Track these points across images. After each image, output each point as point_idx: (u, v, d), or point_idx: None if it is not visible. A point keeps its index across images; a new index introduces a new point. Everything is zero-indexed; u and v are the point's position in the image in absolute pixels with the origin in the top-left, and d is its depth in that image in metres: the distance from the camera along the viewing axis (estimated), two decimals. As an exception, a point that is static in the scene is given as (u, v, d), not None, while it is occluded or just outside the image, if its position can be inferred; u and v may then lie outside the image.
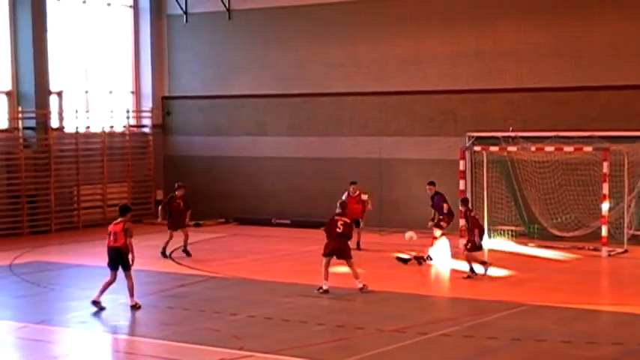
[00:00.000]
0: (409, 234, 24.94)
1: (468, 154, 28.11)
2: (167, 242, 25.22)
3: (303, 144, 32.20)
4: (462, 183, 27.34)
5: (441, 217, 24.19)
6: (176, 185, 26.42)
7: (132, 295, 18.55)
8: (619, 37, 26.91)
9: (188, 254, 25.26)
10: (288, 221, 31.82)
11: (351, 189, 26.14)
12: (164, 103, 34.79)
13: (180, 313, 18.37)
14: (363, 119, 31.11)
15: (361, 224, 25.93)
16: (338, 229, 20.16)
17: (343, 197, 24.05)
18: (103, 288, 18.55)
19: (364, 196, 26.33)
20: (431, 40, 29.67)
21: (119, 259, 18.50)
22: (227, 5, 33.18)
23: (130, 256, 18.47)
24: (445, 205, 24.20)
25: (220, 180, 33.47)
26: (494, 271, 22.40)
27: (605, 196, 24.95)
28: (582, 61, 27.37)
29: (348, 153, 31.32)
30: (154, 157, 34.45)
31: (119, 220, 18.68)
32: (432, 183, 24.96)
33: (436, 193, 24.65)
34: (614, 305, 19.06)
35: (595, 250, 25.25)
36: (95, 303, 18.48)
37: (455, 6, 29.23)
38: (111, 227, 18.71)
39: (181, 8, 33.98)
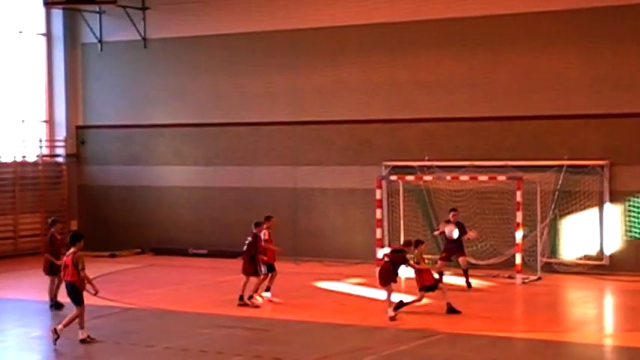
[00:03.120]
0: (449, 229, 24.58)
1: (384, 184, 28.31)
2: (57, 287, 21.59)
3: (220, 173, 32.10)
4: (378, 212, 27.50)
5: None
6: (50, 221, 22.64)
7: (82, 327, 18.04)
8: (531, 69, 27.43)
9: (58, 306, 21.58)
10: (205, 251, 31.63)
11: (268, 224, 23.01)
12: (78, 132, 34.39)
13: (96, 345, 18.06)
14: (279, 149, 31.14)
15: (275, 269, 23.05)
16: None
17: (265, 235, 22.64)
18: (68, 322, 18.00)
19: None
20: (346, 70, 29.89)
21: (73, 293, 17.98)
22: (143, 34, 33.01)
23: (90, 288, 17.97)
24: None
25: (137, 210, 33.16)
26: (411, 299, 22.52)
27: (518, 224, 25.33)
28: (496, 92, 27.83)
29: (265, 182, 31.30)
30: (68, 187, 33.98)
31: (70, 251, 18.13)
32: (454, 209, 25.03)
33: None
34: (528, 332, 19.30)
35: (510, 277, 25.59)
36: (54, 332, 17.92)
37: (370, 36, 29.49)
38: (64, 259, 18.28)
39: (96, 37, 33.70)
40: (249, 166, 31.62)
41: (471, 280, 24.56)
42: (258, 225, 22.33)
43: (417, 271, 20.85)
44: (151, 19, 32.98)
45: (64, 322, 17.99)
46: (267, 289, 22.62)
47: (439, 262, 24.65)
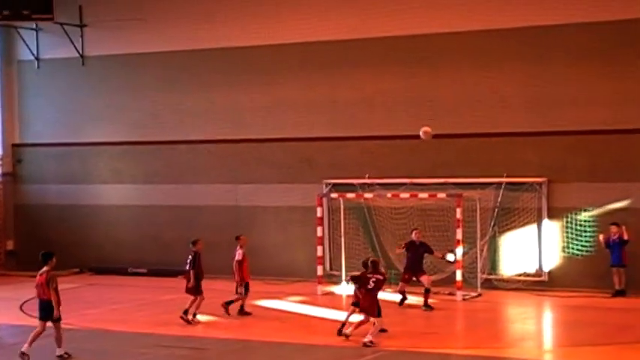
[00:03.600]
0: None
1: (325, 201, 28.32)
2: None
3: (159, 192, 31.86)
4: (319, 230, 27.48)
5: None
6: None
7: (59, 345, 18.15)
8: (469, 87, 27.65)
9: None
10: (144, 270, 31.34)
11: (239, 244, 23.50)
12: (15, 151, 33.92)
13: (33, 366, 17.79)
14: (219, 167, 31.01)
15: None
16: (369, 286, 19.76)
17: (239, 256, 23.13)
18: (32, 339, 18.06)
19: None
20: (287, 88, 29.87)
21: (48, 310, 18.11)
22: (81, 51, 32.71)
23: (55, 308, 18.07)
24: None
25: (75, 229, 32.74)
26: (352, 318, 22.52)
27: (458, 241, 25.46)
28: (435, 110, 27.97)
29: (205, 200, 31.12)
30: (4, 206, 33.48)
31: (43, 270, 18.23)
32: None
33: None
34: (469, 348, 19.38)
35: (450, 294, 25.69)
36: (23, 354, 17.89)
37: (310, 54, 29.53)
38: (37, 278, 18.32)
39: (33, 54, 33.32)
40: (188, 184, 31.43)
41: (412, 296, 24.58)
42: (195, 243, 22.32)
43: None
44: (89, 37, 32.68)
45: (28, 340, 18.00)
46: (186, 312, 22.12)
47: (400, 284, 24.54)
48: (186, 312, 21.79)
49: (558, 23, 26.60)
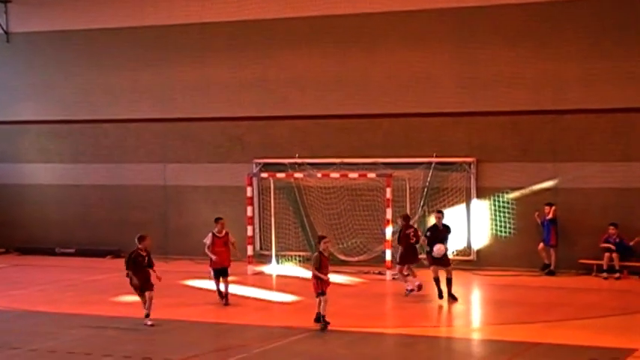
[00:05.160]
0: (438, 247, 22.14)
1: (255, 181, 28.25)
2: None
3: (87, 171, 31.48)
4: (249, 209, 27.42)
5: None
6: None
7: None
8: (400, 67, 27.72)
9: None
10: (72, 250, 30.98)
11: (219, 226, 21.99)
12: (-62, 129, 33.25)
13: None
14: (148, 146, 30.72)
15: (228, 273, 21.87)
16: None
17: (207, 240, 21.69)
18: None
19: (232, 238, 22.29)
20: (216, 67, 29.66)
21: None
22: (5, 28, 32.09)
23: None
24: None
25: (1, 208, 32.21)
26: (281, 297, 22.56)
27: (388, 221, 25.57)
28: (366, 90, 28.02)
29: (134, 180, 30.83)
30: None
31: None
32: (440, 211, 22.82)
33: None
34: (398, 327, 19.49)
35: (380, 273, 25.82)
36: None
37: (240, 33, 29.33)
38: None
39: (-44, 30, 32.67)
40: (117, 163, 31.10)
41: (341, 276, 24.63)
42: (141, 239, 19.78)
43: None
44: (13, 13, 32.09)
45: None
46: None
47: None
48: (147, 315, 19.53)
49: (489, 4, 26.80)
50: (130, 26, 30.62)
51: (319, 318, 18.73)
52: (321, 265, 18.61)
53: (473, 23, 27.05)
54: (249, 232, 27.33)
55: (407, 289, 22.79)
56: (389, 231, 25.55)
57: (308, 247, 27.94)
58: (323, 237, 19.20)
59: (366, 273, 26.16)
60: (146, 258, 19.72)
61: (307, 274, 25.51)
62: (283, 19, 28.80)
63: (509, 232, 26.82)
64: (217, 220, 22.10)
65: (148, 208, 30.39)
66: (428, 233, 22.47)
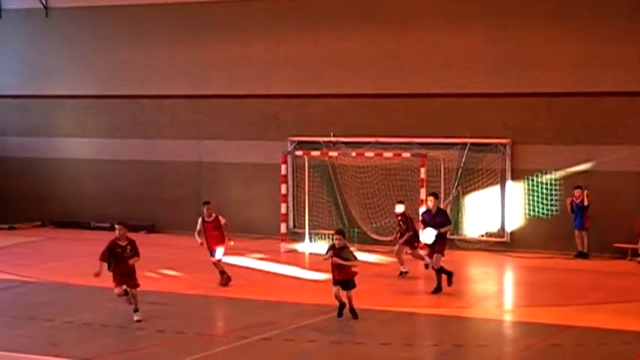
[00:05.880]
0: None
1: (289, 159, 28.30)
2: None
3: (123, 146, 31.67)
4: (283, 187, 27.49)
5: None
6: None
7: None
8: (436, 47, 27.61)
9: None
10: (107, 224, 31.13)
11: (205, 211, 21.36)
12: (-23, 102, 33.57)
13: (-7, 319, 17.72)
14: (183, 122, 30.84)
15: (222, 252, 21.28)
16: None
17: (198, 225, 21.25)
18: None
19: (223, 219, 21.38)
20: (252, 45, 29.68)
21: None
22: (44, 2, 32.29)
23: None
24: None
25: (38, 182, 32.50)
26: (314, 275, 22.63)
27: (422, 200, 25.54)
28: (401, 69, 27.96)
29: (169, 156, 30.98)
30: (-36, 158, 33.18)
31: None
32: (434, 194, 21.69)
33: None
34: (430, 307, 19.50)
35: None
36: None
37: (277, 11, 29.34)
38: None
39: (-5, 4, 32.92)
40: (152, 139, 31.25)
41: (375, 255, 24.64)
42: (118, 227, 17.83)
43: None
44: (53, -13, 32.31)
45: None
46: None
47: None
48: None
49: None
50: (167, 2, 30.71)
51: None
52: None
53: (508, 3, 26.88)
54: (283, 210, 27.42)
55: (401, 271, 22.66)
56: (422, 211, 25.49)
57: (341, 226, 27.96)
58: (340, 231, 18.09)
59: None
60: (127, 248, 17.60)
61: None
62: (320, -3, 28.82)
63: (544, 215, 26.71)
64: (205, 204, 21.46)
65: (182, 184, 30.54)
66: (420, 218, 21.75)
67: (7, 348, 15.34)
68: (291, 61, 29.26)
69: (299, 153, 28.19)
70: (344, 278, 17.65)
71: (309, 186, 28.35)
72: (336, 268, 17.70)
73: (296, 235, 28.33)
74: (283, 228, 27.22)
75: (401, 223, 22.71)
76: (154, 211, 30.50)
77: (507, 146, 26.91)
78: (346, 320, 17.72)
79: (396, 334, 16.74)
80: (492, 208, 27.10)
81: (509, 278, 24.42)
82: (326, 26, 28.82)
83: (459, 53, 27.38)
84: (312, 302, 19.47)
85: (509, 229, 27.02)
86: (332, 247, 17.93)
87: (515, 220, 27.01)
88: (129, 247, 17.67)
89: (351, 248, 18.25)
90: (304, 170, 28.46)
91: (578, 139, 26.36)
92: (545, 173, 26.69)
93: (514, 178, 26.95)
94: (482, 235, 27.24)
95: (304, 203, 28.22)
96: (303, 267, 24.30)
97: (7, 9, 32.94)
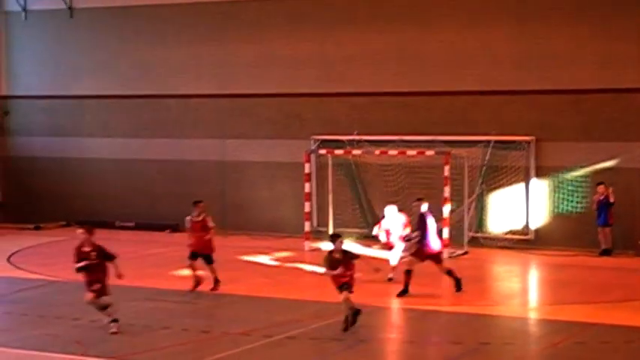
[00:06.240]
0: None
1: (313, 157, 28.32)
2: None
3: (147, 146, 31.78)
4: (307, 186, 27.51)
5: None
6: None
7: None
8: (460, 44, 27.56)
9: None
10: (132, 224, 31.34)
11: (195, 209, 20.93)
12: (2, 103, 33.73)
13: (19, 318, 17.84)
14: (207, 121, 30.93)
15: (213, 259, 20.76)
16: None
17: (186, 224, 20.84)
18: None
19: (211, 223, 20.95)
20: (275, 43, 29.73)
21: None
22: (69, 3, 32.45)
23: None
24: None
25: (62, 182, 32.68)
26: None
27: (446, 199, 25.51)
28: (425, 67, 27.92)
29: (193, 155, 31.07)
30: (-9, 158, 33.39)
31: None
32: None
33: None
34: (454, 305, 19.48)
35: (437, 251, 25.71)
36: None
37: (299, 10, 29.37)
38: None
39: (20, 5, 33.04)
40: (176, 138, 31.35)
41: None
42: (84, 231, 17.25)
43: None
44: (77, -12, 32.47)
45: None
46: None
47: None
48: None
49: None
50: (191, 2, 30.80)
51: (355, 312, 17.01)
52: (332, 264, 16.95)
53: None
54: (307, 209, 27.44)
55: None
56: (446, 209, 25.49)
57: (365, 225, 27.97)
58: (337, 236, 17.37)
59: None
60: (91, 254, 16.69)
61: (364, 250, 25.61)
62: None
63: (569, 212, 26.61)
64: (195, 203, 20.96)
65: (207, 183, 30.62)
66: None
67: (33, 347, 15.47)
68: (315, 59, 29.28)
69: (322, 152, 28.20)
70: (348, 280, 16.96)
71: (332, 184, 28.35)
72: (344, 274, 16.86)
73: (320, 234, 28.30)
74: (307, 226, 27.24)
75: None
76: (178, 211, 30.41)
77: (532, 143, 26.82)
78: (370, 318, 17.72)
79: (422, 332, 16.76)
80: (517, 206, 27.02)
81: (534, 276, 24.36)
82: (349, 24, 28.81)
83: (483, 50, 27.32)
84: (336, 300, 19.44)
85: (533, 226, 26.93)
86: (344, 257, 16.92)
87: (540, 218, 26.92)
88: (93, 253, 16.66)
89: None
90: (328, 169, 28.47)
91: (603, 136, 26.23)
92: (570, 170, 26.58)
93: (538, 175, 26.85)
94: (507, 233, 27.16)
95: (328, 202, 28.22)
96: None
97: (32, 10, 33.12)
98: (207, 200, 28.94)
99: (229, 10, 30.30)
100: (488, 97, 27.30)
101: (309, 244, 26.87)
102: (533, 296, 21.81)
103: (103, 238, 29.26)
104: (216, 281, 20.53)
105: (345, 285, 16.88)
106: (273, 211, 29.73)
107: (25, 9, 33.16)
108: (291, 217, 28.92)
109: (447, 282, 22.76)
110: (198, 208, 20.81)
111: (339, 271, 16.84)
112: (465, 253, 25.96)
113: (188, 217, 20.84)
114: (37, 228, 31.26)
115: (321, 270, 17.55)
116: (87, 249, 16.79)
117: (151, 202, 31.39)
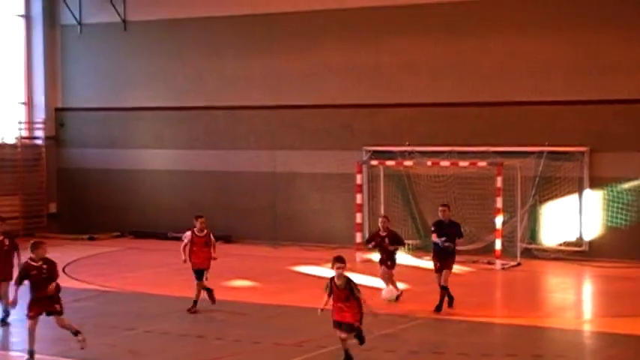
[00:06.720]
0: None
1: (364, 168, 28.30)
2: None
3: (199, 157, 31.98)
4: (359, 197, 27.49)
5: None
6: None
7: None
8: (513, 55, 27.43)
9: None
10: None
11: (198, 225, 19.70)
12: (57, 115, 34.18)
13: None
14: (258, 133, 31.05)
15: (206, 275, 19.59)
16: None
17: (185, 238, 19.71)
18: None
19: (213, 239, 19.97)
20: (327, 54, 29.79)
21: None
22: (122, 16, 32.79)
23: None
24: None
25: (116, 193, 32.99)
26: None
27: (498, 210, 25.36)
28: (477, 77, 27.81)
29: (244, 166, 31.20)
30: (46, 170, 33.77)
31: None
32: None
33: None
34: (508, 317, 19.33)
35: (489, 263, 25.62)
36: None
37: (351, 20, 29.41)
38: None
39: (75, 18, 33.46)
40: (228, 150, 31.51)
41: (454, 265, 24.17)
42: (34, 247, 15.08)
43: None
44: (131, 1, 32.77)
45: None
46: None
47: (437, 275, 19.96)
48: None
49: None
50: (242, 14, 30.97)
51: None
52: (332, 292, 15.45)
53: (586, 8, 26.59)
54: (358, 220, 27.41)
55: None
56: (499, 220, 25.34)
57: (417, 236, 27.89)
58: (338, 259, 15.55)
59: (475, 262, 25.98)
60: (42, 269, 14.80)
61: (416, 262, 25.56)
62: (395, 6, 28.76)
63: (623, 224, 26.32)
64: (197, 217, 19.77)
65: (257, 194, 30.72)
66: (432, 228, 19.98)
67: (89, 357, 15.57)
68: (366, 70, 29.30)
69: (374, 162, 28.18)
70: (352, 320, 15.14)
71: (384, 196, 28.31)
72: (344, 308, 15.28)
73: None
74: (359, 238, 27.20)
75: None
76: (229, 222, 30.70)
77: (585, 154, 26.59)
78: (423, 330, 17.66)
79: (474, 345, 16.62)
80: (570, 217, 26.78)
81: (588, 288, 24.12)
82: (401, 34, 28.80)
83: (536, 60, 27.16)
84: (388, 312, 19.41)
85: (587, 238, 26.67)
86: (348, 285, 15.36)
87: (594, 229, 26.65)
88: (44, 266, 14.84)
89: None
90: (379, 180, 28.44)
91: (660, 147, 25.96)
92: (625, 181, 26.30)
93: (592, 186, 26.60)
94: (560, 244, 26.92)
95: (379, 213, 28.16)
96: (378, 276, 24.23)
97: (87, 23, 33.51)
98: (258, 212, 29.30)
99: (279, 22, 30.43)
100: (542, 107, 27.11)
101: (360, 255, 26.83)
102: (587, 308, 21.58)
103: (156, 249, 29.74)
104: (195, 303, 19.20)
105: (344, 325, 15.16)
106: (324, 222, 29.75)
107: (80, 23, 33.57)
108: (342, 228, 28.91)
109: (500, 292, 22.66)
110: (202, 222, 19.63)
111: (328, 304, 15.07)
112: (518, 264, 25.78)
113: (188, 233, 19.65)
114: (91, 239, 31.56)
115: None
116: (37, 263, 14.88)
117: (203, 213, 31.36)
